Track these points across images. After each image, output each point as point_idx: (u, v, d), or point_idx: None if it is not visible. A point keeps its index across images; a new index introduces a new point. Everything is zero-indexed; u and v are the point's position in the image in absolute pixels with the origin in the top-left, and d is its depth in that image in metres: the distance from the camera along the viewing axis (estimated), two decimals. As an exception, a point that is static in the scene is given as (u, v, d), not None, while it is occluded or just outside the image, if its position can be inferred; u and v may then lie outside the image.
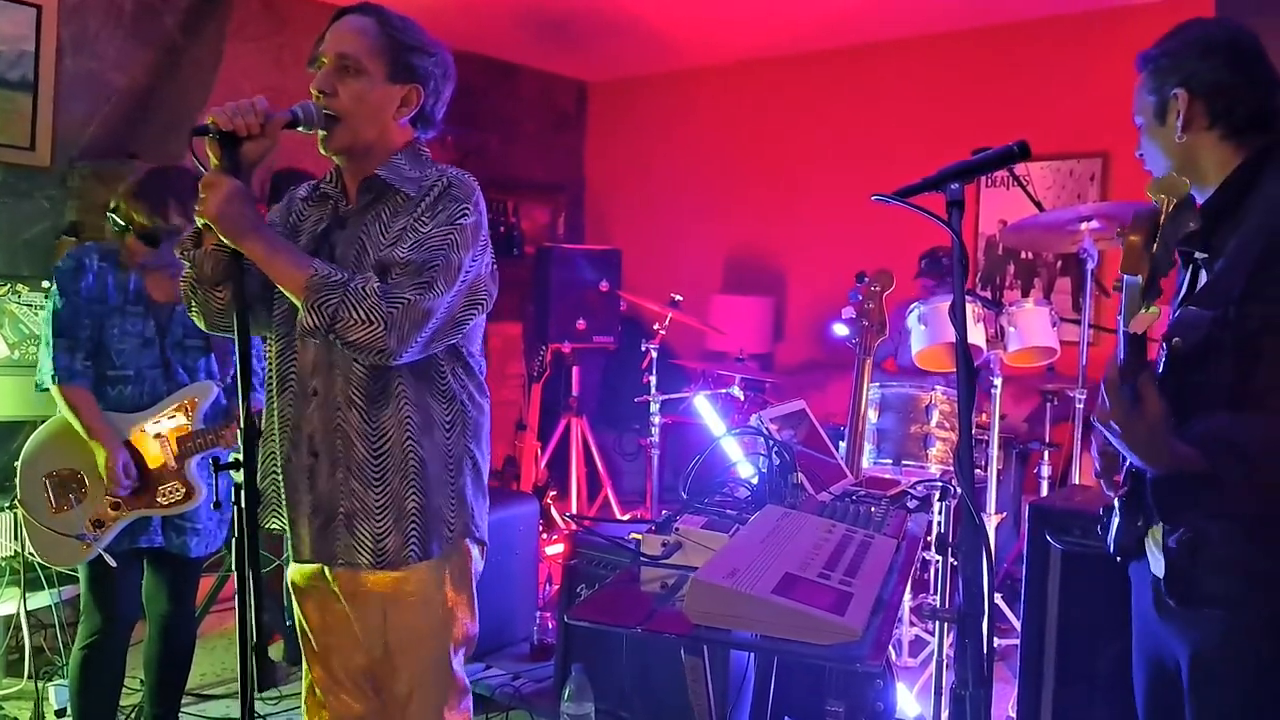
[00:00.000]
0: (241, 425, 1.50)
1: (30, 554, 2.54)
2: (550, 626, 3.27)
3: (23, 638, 3.18)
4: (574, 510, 4.70)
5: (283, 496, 1.79)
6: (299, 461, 1.76)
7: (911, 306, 3.26)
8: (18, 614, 3.13)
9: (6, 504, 3.11)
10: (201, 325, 1.80)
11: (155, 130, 4.16)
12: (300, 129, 1.67)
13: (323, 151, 1.75)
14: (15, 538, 3.12)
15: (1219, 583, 1.34)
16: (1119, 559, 1.53)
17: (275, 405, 1.81)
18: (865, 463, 3.05)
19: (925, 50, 5.03)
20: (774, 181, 5.60)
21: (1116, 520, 1.49)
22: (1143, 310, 1.23)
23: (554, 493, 4.80)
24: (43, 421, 2.57)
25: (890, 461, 3.24)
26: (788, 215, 5.54)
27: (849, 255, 4.22)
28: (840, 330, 2.71)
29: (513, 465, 5.16)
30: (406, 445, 1.72)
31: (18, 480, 2.48)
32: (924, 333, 3.15)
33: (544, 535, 4.10)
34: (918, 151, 4.73)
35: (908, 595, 3.45)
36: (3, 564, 3.16)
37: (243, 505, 1.48)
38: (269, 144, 1.62)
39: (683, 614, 1.19)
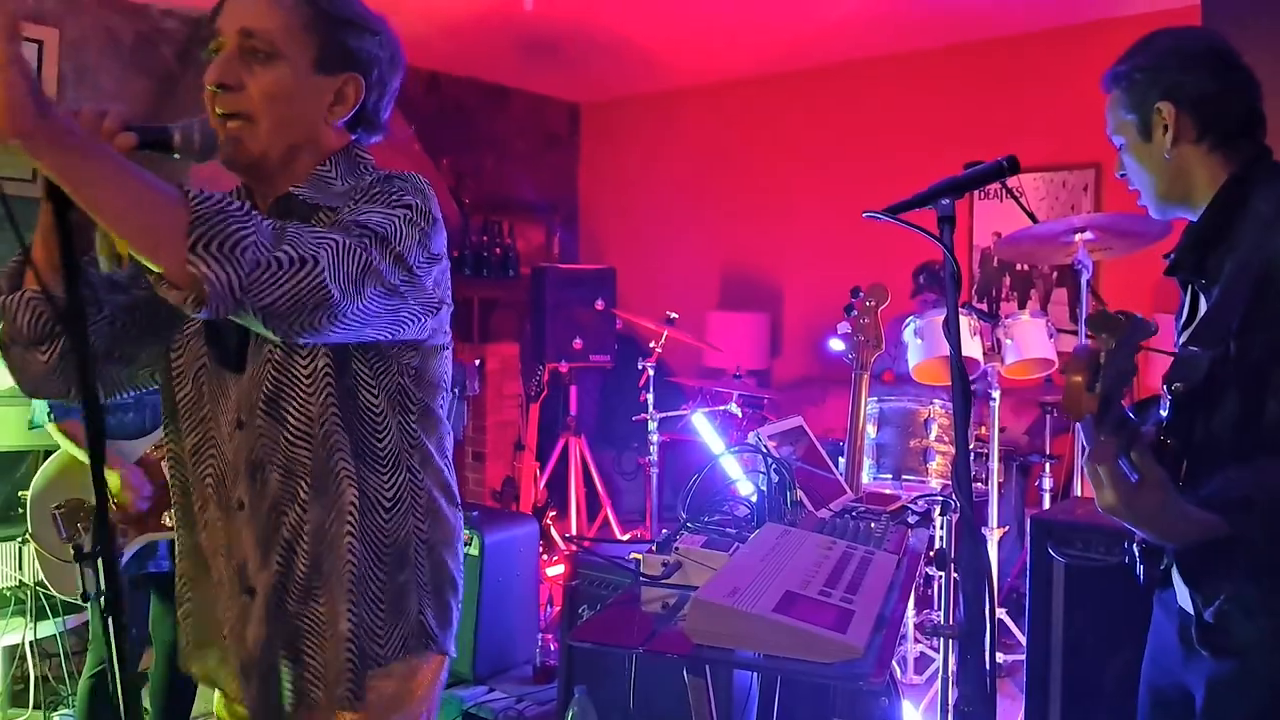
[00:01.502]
0: (96, 542, 1.09)
1: (39, 584, 2.57)
2: (552, 648, 3.25)
3: (28, 668, 3.17)
4: (574, 530, 4.68)
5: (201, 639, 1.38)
6: (230, 601, 1.32)
7: (908, 320, 3.26)
8: (23, 644, 3.13)
9: (10, 535, 3.11)
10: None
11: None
12: (175, 155, 1.15)
13: (224, 166, 1.27)
14: (20, 568, 3.12)
15: (1254, 630, 1.27)
16: (1145, 590, 1.48)
17: (187, 536, 1.37)
18: (865, 478, 3.05)
19: (914, 65, 5.07)
20: (766, 198, 5.62)
21: (1139, 565, 1.42)
22: (1101, 439, 1.10)
23: (553, 513, 4.78)
24: (45, 452, 2.62)
25: (890, 476, 3.24)
26: (781, 231, 5.56)
27: (843, 270, 4.23)
28: (836, 345, 2.71)
29: (512, 486, 5.15)
30: (345, 541, 1.26)
31: (28, 515, 2.54)
32: (921, 346, 3.16)
33: (544, 556, 4.09)
34: (910, 165, 4.75)
35: (911, 611, 3.44)
36: (7, 594, 3.15)
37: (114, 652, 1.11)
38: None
39: (684, 634, 1.18)
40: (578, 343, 4.78)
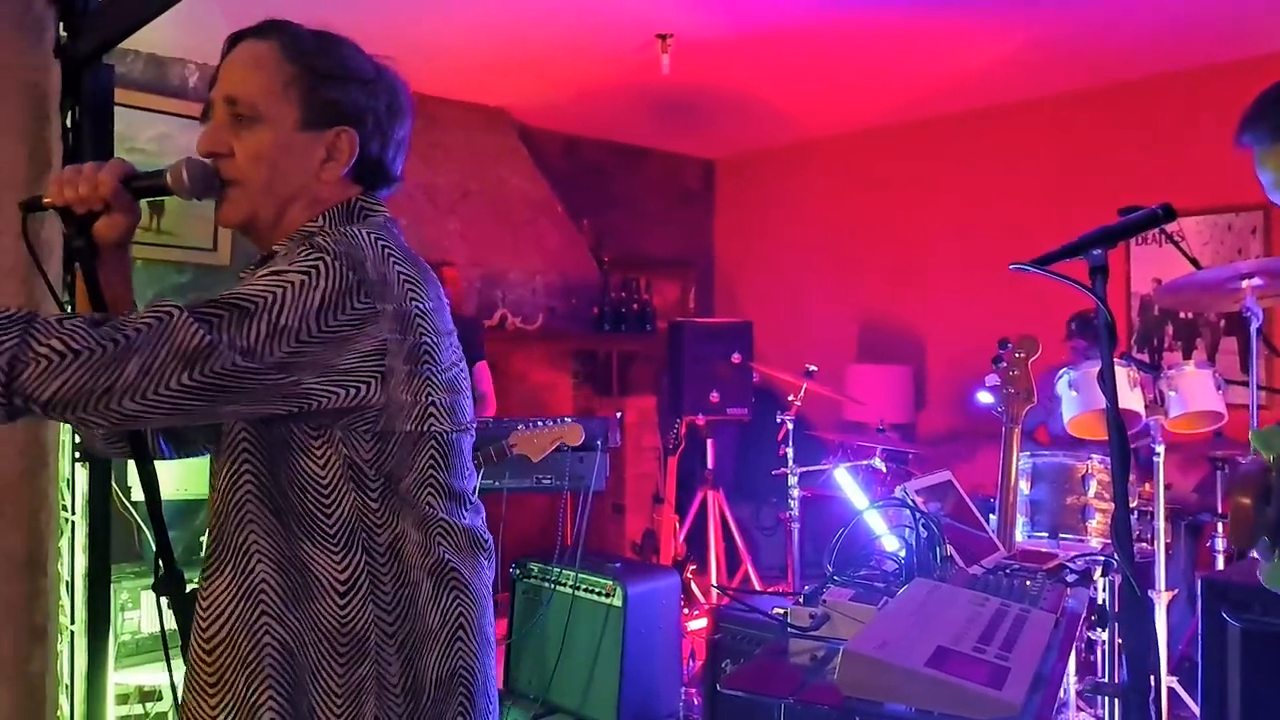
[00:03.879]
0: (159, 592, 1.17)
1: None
2: (696, 702, 3.24)
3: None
4: (714, 584, 4.67)
5: None
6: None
7: (1061, 372, 3.15)
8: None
9: (193, 577, 3.35)
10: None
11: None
12: (179, 197, 1.20)
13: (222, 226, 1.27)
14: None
15: None
16: None
17: None
18: (1019, 536, 2.93)
19: (1059, 109, 4.95)
20: (906, 247, 5.55)
21: None
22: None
23: (693, 566, 4.79)
24: None
25: (1046, 534, 3.11)
26: (923, 281, 5.47)
27: (989, 320, 4.13)
28: (985, 399, 2.65)
29: (651, 539, 5.19)
30: (264, 624, 1.17)
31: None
32: (1075, 399, 3.04)
33: (685, 610, 4.10)
34: (1058, 212, 4.63)
35: (1073, 677, 3.27)
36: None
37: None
38: (126, 219, 1.20)
39: (834, 686, 1.18)
40: (715, 396, 4.80)
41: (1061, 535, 3.09)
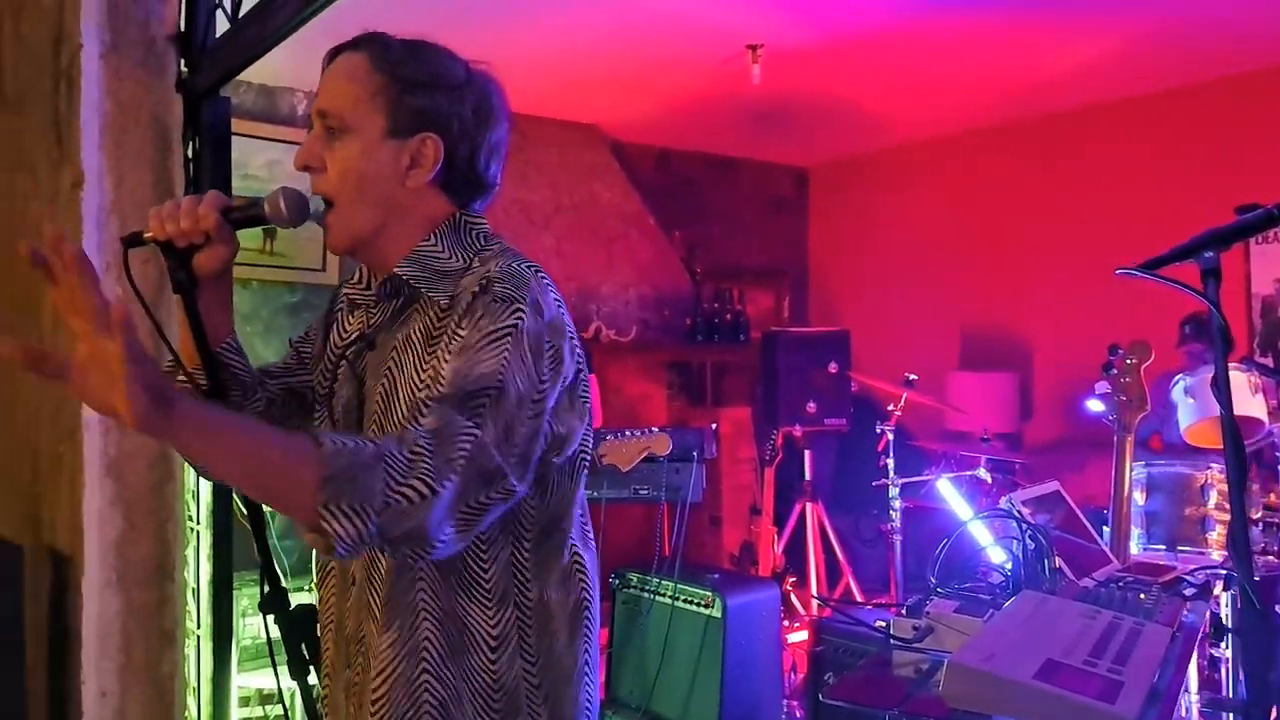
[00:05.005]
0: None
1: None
2: (798, 715, 3.21)
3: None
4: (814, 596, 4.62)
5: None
6: (342, 675, 1.27)
7: (1176, 379, 3.03)
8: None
9: (306, 586, 3.49)
10: None
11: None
12: (278, 226, 1.22)
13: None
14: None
15: None
16: None
17: (319, 591, 1.33)
18: (1133, 548, 2.82)
19: (1166, 105, 4.76)
20: (1006, 252, 5.41)
21: None
22: None
23: (793, 579, 4.74)
24: None
25: (1163, 547, 2.99)
26: (1027, 285, 5.32)
27: (1098, 325, 3.99)
28: (1095, 406, 2.56)
29: (749, 551, 5.16)
30: (423, 681, 1.18)
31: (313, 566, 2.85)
32: (1192, 406, 2.92)
33: (785, 622, 4.06)
34: (1168, 212, 4.45)
35: (1195, 696, 3.12)
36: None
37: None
38: (227, 250, 1.21)
39: (940, 698, 1.17)
40: (811, 406, 4.75)
41: (1180, 548, 2.96)
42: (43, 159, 2.75)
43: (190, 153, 2.46)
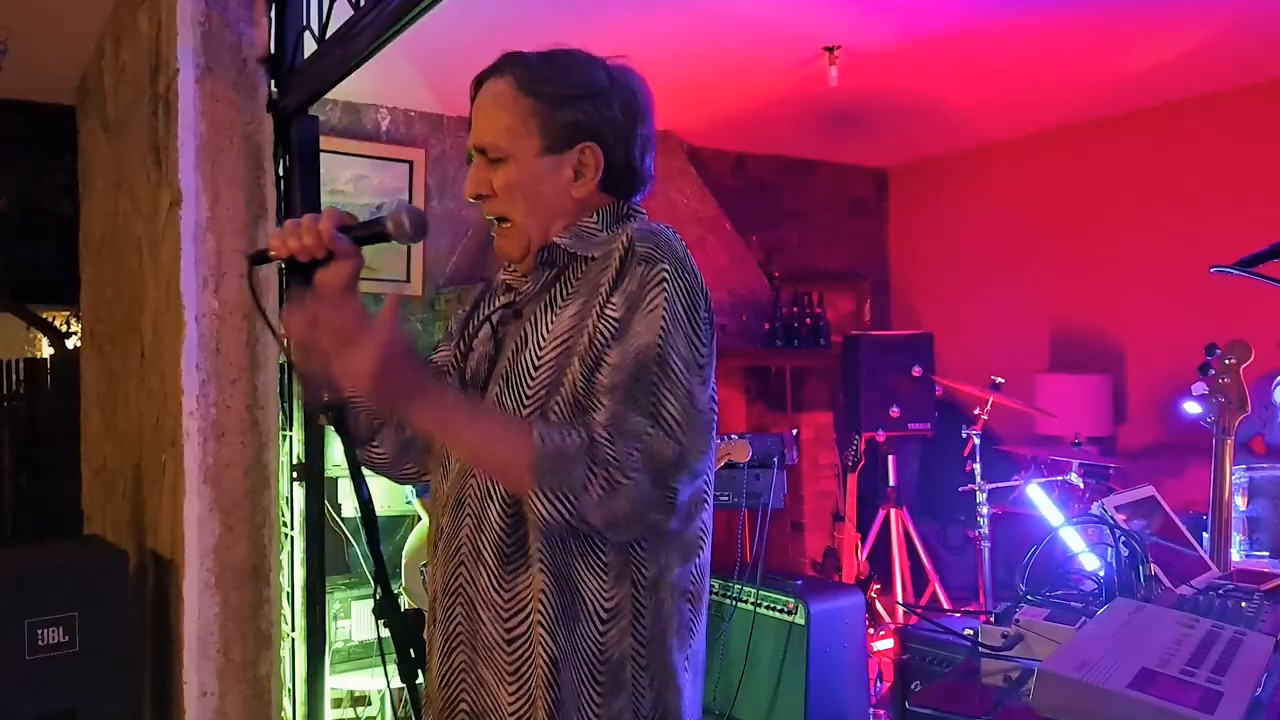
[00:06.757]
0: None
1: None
2: (883, 725, 3.17)
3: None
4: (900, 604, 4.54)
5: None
6: (432, 628, 1.31)
7: (1278, 379, 2.90)
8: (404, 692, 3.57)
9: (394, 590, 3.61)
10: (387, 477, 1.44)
11: (501, 256, 4.76)
12: (399, 242, 1.23)
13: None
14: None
15: None
16: None
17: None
18: (1235, 555, 2.71)
19: (1257, 99, 4.56)
20: (1097, 251, 5.24)
21: None
22: None
23: (877, 586, 4.67)
24: (417, 517, 3.02)
25: (1266, 554, 2.86)
26: (1118, 285, 5.14)
27: (1194, 325, 3.84)
28: (1192, 409, 2.47)
29: (833, 557, 5.10)
30: (537, 634, 1.19)
31: (403, 573, 2.95)
32: (1298, 406, 2.79)
33: (870, 630, 4.00)
34: (1262, 209, 4.26)
35: (1305, 712, 2.98)
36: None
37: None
38: (351, 265, 1.21)
39: (1030, 707, 1.14)
40: (895, 411, 4.68)
41: (1287, 555, 2.83)
42: (142, 180, 2.89)
43: (281, 170, 2.55)
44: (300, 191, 2.48)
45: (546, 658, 1.17)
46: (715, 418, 1.22)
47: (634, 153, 1.32)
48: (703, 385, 1.18)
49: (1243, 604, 1.57)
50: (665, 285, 1.17)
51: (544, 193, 1.27)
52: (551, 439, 1.11)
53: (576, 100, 1.26)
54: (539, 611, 1.18)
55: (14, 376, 4.67)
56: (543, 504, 1.10)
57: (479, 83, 1.31)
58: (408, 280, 4.51)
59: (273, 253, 1.23)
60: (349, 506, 3.05)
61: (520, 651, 1.20)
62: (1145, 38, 4.05)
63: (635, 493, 1.10)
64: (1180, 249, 4.75)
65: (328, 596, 2.64)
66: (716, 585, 3.40)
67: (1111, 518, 1.79)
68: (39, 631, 2.36)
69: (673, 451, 1.12)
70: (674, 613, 1.23)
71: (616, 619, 1.19)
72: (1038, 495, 3.86)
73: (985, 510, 3.89)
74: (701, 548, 1.26)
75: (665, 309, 1.16)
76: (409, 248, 4.46)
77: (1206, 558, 2.08)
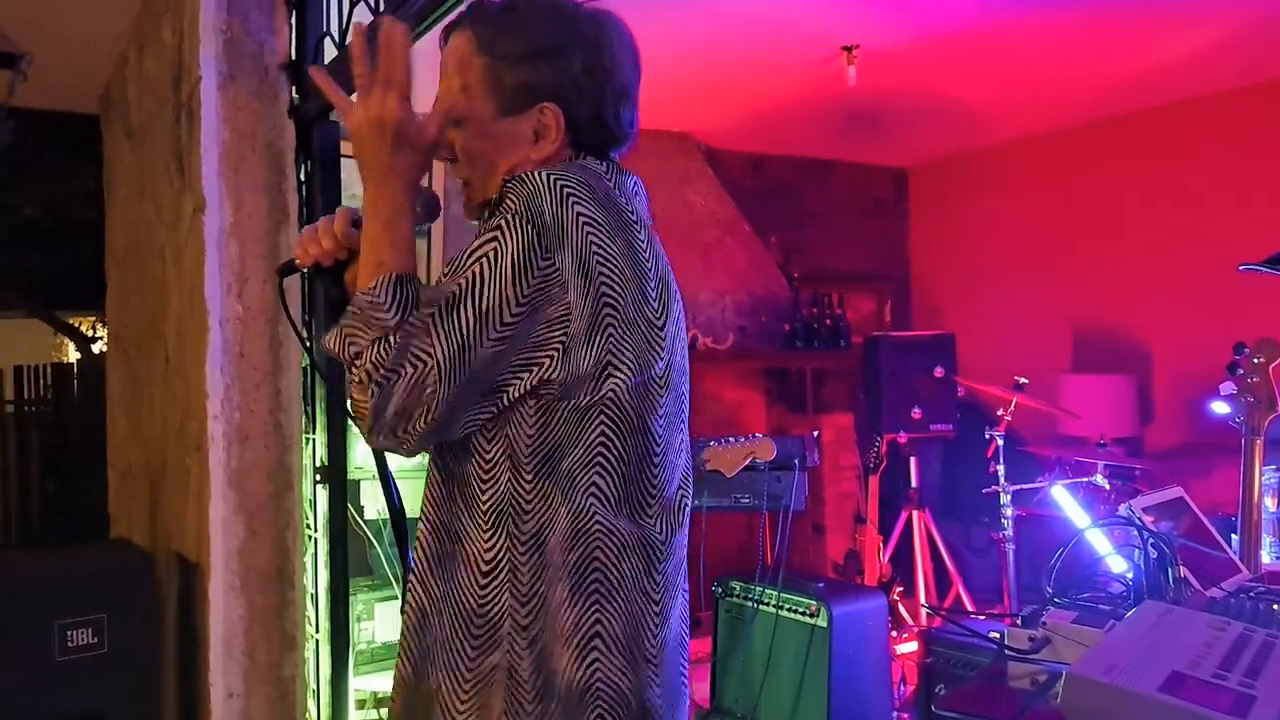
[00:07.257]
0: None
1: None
2: (907, 729, 3.14)
3: None
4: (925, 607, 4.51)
5: None
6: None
7: (1308, 376, 2.86)
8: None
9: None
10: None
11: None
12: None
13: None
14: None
15: None
16: None
17: None
18: (1265, 557, 2.67)
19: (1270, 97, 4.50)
20: (1118, 250, 5.19)
21: None
22: None
23: (900, 588, 4.64)
24: None
25: (1298, 555, 2.82)
26: (1143, 284, 5.09)
27: (1222, 324, 3.79)
28: (1220, 409, 2.44)
29: (854, 559, 5.07)
30: (411, 584, 1.20)
31: None
32: (1328, 405, 2.75)
33: (893, 633, 3.98)
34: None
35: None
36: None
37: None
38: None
39: (1056, 711, 1.13)
40: (916, 412, 4.65)
41: (1319, 557, 2.79)
42: (165, 186, 2.91)
43: (303, 176, 2.56)
44: (322, 196, 2.49)
45: (414, 606, 1.17)
46: (516, 386, 1.10)
47: (605, 110, 1.24)
48: (496, 343, 1.07)
49: (1275, 607, 1.54)
50: (498, 233, 1.09)
51: (501, 157, 1.22)
52: (378, 296, 1.08)
53: (529, 61, 1.20)
54: (416, 562, 1.18)
55: (42, 382, 4.73)
56: (332, 335, 1.11)
57: (446, 34, 1.26)
58: (425, 283, 4.53)
59: (299, 262, 1.23)
60: (371, 509, 3.04)
61: (405, 605, 1.20)
62: (1166, 34, 4.02)
63: (378, 404, 1.05)
64: (1206, 247, 4.70)
65: (351, 598, 2.65)
66: (738, 588, 3.39)
67: (1139, 519, 1.77)
68: (69, 633, 2.39)
69: (428, 395, 1.05)
70: (561, 577, 1.12)
71: (495, 573, 1.13)
72: (1063, 497, 3.83)
73: (1009, 512, 3.86)
74: (607, 529, 1.13)
75: (486, 256, 1.08)
76: (428, 249, 4.49)
77: (1236, 560, 2.05)
